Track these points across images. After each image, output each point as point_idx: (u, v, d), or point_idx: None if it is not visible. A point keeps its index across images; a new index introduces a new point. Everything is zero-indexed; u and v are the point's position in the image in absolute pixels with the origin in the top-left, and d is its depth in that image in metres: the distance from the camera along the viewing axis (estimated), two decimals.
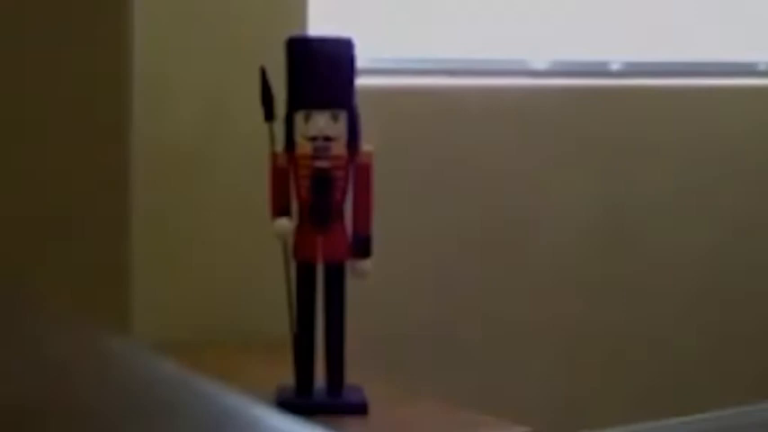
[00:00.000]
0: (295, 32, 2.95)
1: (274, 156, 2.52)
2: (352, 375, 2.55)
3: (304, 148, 2.50)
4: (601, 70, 4.02)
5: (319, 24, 3.36)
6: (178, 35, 3.16)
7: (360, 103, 2.50)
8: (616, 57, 4.04)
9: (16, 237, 2.99)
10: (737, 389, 4.22)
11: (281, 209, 2.53)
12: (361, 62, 2.59)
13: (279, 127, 2.51)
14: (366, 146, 2.52)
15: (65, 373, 0.61)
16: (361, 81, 2.54)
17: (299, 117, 2.49)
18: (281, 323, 2.56)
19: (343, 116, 2.49)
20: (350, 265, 2.54)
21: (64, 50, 3.02)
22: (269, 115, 2.52)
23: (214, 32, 3.21)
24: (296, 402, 2.47)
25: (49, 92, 3.02)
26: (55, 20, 3.02)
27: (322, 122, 2.49)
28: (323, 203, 2.50)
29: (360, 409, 2.50)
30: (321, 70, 2.50)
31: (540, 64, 3.90)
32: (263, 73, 2.54)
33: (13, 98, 2.99)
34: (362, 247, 2.53)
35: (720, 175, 4.21)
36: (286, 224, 2.52)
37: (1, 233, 2.97)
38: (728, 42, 4.27)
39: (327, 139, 2.49)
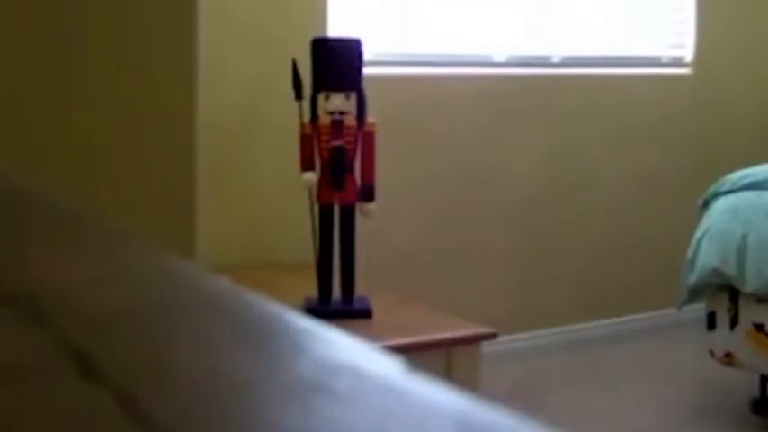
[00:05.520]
0: (318, 34, 2.93)
1: (303, 126, 2.51)
2: (360, 289, 2.55)
3: (324, 120, 2.49)
4: (545, 62, 3.99)
5: (337, 26, 3.35)
6: (233, 34, 3.14)
7: (366, 86, 2.49)
8: (556, 52, 4.01)
9: (105, 185, 2.98)
10: (643, 297, 4.22)
11: (307, 165, 2.52)
12: (366, 56, 2.57)
13: (305, 104, 2.49)
14: (370, 118, 2.51)
15: (135, 283, 0.59)
16: (366, 70, 2.52)
17: (320, 97, 2.48)
18: (307, 250, 2.56)
19: (353, 96, 2.48)
20: (359, 206, 2.53)
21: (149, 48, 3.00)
22: (298, 95, 2.51)
23: (259, 33, 3.19)
24: (318, 309, 2.47)
25: (139, 76, 3.00)
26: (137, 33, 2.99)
27: (338, 101, 2.48)
28: (338, 170, 2.49)
29: (366, 313, 2.51)
30: (337, 62, 2.48)
31: (500, 58, 3.87)
32: (294, 64, 2.52)
33: (108, 78, 2.97)
34: (368, 194, 2.52)
35: (632, 139, 4.20)
36: (311, 176, 2.51)
37: (96, 178, 2.95)
38: (639, 41, 4.25)
39: (342, 113, 2.48)
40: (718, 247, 3.26)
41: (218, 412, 0.38)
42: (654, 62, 4.29)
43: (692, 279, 3.33)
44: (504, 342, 3.55)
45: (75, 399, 0.40)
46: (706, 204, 3.44)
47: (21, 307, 0.52)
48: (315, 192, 2.51)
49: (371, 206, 2.53)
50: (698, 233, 3.37)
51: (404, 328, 2.47)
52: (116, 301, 0.54)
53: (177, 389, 0.41)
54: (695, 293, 3.35)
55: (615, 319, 4.15)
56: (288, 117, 2.70)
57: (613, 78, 4.15)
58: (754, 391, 3.40)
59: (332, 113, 2.48)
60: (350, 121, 2.48)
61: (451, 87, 3.72)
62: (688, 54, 4.36)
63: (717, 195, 3.41)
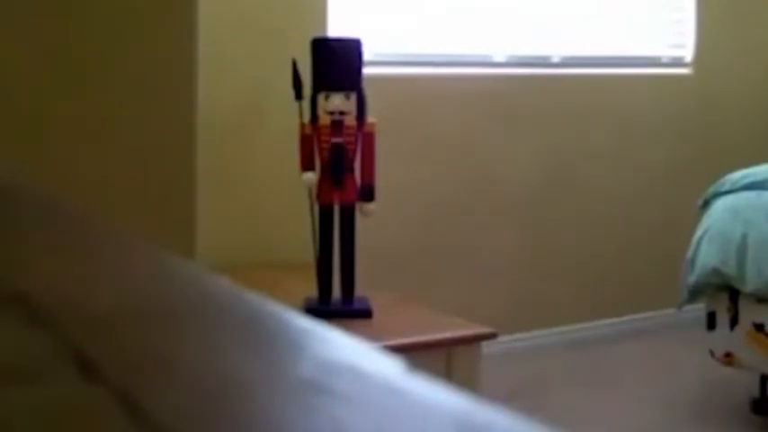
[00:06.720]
0: (318, 34, 2.93)
1: (302, 126, 2.51)
2: (360, 289, 2.55)
3: (324, 120, 2.49)
4: (545, 62, 3.99)
5: (337, 26, 3.35)
6: (233, 34, 3.14)
7: (366, 86, 2.48)
8: (556, 52, 4.01)
9: (107, 184, 2.98)
10: (645, 297, 4.22)
11: (307, 165, 2.52)
12: (366, 56, 2.57)
13: (305, 104, 2.49)
14: (370, 118, 2.51)
15: (135, 283, 0.59)
16: (366, 70, 2.52)
17: (320, 97, 2.48)
18: (307, 250, 2.56)
19: (353, 96, 2.48)
20: (359, 206, 2.53)
21: (148, 48, 3.00)
22: (298, 95, 2.51)
23: (259, 33, 3.19)
24: (318, 309, 2.47)
25: (139, 74, 3.00)
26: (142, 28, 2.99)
27: (338, 101, 2.48)
28: (338, 167, 2.49)
29: (366, 313, 2.51)
30: (337, 62, 2.48)
31: (500, 58, 3.87)
32: (294, 64, 2.52)
33: (110, 75, 2.97)
34: (368, 194, 2.52)
35: (632, 139, 4.20)
36: (311, 176, 2.51)
37: (96, 178, 2.95)
38: (639, 41, 4.25)
39: (342, 113, 2.48)
40: (718, 246, 3.26)
41: (219, 412, 0.38)
42: (654, 62, 4.29)
43: (692, 279, 3.33)
44: (504, 342, 3.55)
45: (76, 399, 0.40)
46: (706, 204, 3.44)
47: (20, 307, 0.52)
48: (315, 192, 2.51)
49: (371, 206, 2.53)
50: (698, 233, 3.37)
51: (404, 328, 2.47)
52: (116, 300, 0.54)
53: (177, 389, 0.41)
54: (695, 293, 3.35)
55: (615, 319, 4.15)
56: (288, 117, 2.70)
57: (613, 78, 4.15)
58: (754, 391, 3.40)
59: (332, 113, 2.48)
60: (350, 120, 2.48)
61: (451, 87, 3.72)
62: (688, 54, 4.36)
63: (717, 195, 3.41)
